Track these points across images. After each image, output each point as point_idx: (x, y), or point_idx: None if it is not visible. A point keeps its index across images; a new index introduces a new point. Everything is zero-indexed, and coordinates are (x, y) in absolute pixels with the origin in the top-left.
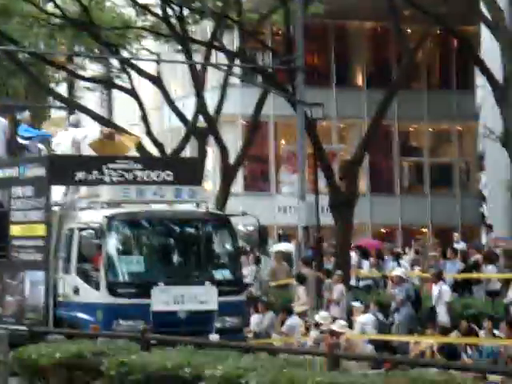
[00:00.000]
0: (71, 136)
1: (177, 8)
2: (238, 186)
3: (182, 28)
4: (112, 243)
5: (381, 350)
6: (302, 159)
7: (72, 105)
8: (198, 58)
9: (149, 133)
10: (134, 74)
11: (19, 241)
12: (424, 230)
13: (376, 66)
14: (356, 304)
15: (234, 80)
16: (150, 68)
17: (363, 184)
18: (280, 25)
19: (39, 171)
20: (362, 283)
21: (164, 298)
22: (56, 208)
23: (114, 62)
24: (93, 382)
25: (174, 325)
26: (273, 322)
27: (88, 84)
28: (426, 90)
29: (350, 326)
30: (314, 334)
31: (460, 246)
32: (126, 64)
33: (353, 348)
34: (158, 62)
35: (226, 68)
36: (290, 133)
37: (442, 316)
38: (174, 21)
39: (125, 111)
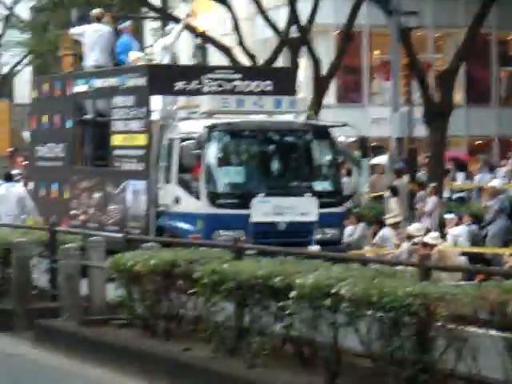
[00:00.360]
0: (162, 43)
1: None
2: (330, 97)
3: None
4: (212, 153)
5: (474, 262)
6: (395, 69)
7: (166, 15)
8: None
9: (241, 43)
10: None
11: (120, 150)
12: None
13: None
14: (449, 216)
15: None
16: None
17: (459, 95)
18: None
19: (139, 81)
20: (455, 195)
21: (264, 209)
22: (156, 118)
23: None
24: (187, 289)
25: (274, 236)
26: (365, 233)
27: None
28: None
29: (444, 237)
30: (406, 245)
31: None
32: None
33: (445, 260)
34: None
35: None
36: (383, 43)
37: None
38: None
39: (217, 22)
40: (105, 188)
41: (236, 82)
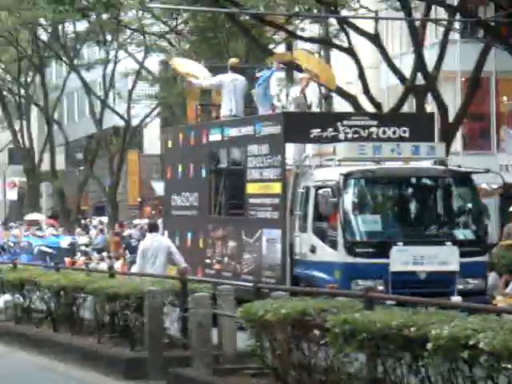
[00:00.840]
0: (293, 93)
1: None
2: (456, 144)
3: None
4: (349, 201)
5: None
6: None
7: (291, 65)
8: (416, 14)
9: (366, 91)
10: (351, 32)
11: (255, 199)
12: None
13: None
14: None
15: (453, 36)
16: (368, 26)
17: None
18: None
19: (274, 129)
20: None
21: (403, 258)
22: (291, 166)
23: (333, 22)
24: (318, 339)
25: (414, 286)
26: (496, 283)
27: (306, 44)
28: None
29: None
30: None
31: None
32: (344, 23)
33: None
34: (376, 19)
35: (446, 23)
36: (511, 89)
37: None
38: None
39: (342, 70)
40: (240, 237)
41: (372, 129)
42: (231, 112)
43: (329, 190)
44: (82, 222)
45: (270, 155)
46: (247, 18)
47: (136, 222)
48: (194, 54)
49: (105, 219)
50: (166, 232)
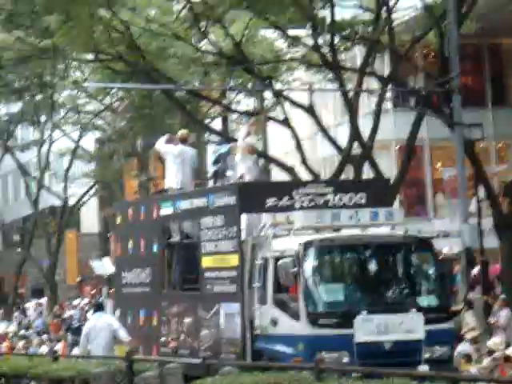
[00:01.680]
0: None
1: (328, 37)
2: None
3: (334, 56)
4: (310, 271)
5: None
6: (463, 181)
7: (227, 138)
8: (349, 85)
9: (303, 162)
10: (286, 104)
11: (211, 272)
12: None
13: None
14: None
15: (386, 105)
16: (302, 98)
17: None
18: (432, 46)
19: (229, 200)
20: None
21: (368, 328)
22: (247, 237)
23: (268, 94)
24: None
25: (379, 356)
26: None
27: (242, 118)
28: None
29: None
30: (486, 361)
31: None
32: (278, 95)
33: None
34: (310, 91)
35: (379, 93)
36: (445, 156)
37: None
38: (324, 50)
39: (279, 141)
40: (196, 312)
41: (328, 196)
42: (177, 185)
43: (288, 260)
44: (21, 306)
45: (225, 227)
46: (182, 93)
47: (76, 302)
48: (130, 131)
49: (43, 300)
50: (118, 311)
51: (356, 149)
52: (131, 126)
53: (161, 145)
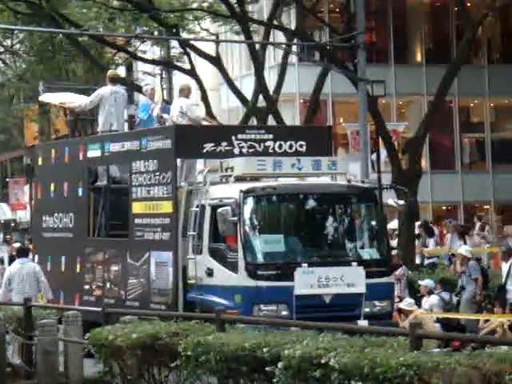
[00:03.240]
0: (179, 104)
1: None
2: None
3: (241, 8)
4: (250, 220)
5: (448, 329)
6: (365, 137)
7: (132, 87)
8: (256, 38)
9: (209, 113)
10: (193, 54)
11: (142, 219)
12: (486, 207)
13: (435, 41)
14: (422, 282)
15: (292, 59)
16: (209, 49)
17: (424, 162)
18: (338, 1)
19: (164, 143)
20: (427, 261)
21: (308, 281)
22: (182, 183)
23: (175, 44)
24: (169, 362)
25: (319, 309)
26: None
27: (147, 66)
28: (487, 65)
29: (418, 304)
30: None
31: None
32: (185, 45)
33: (422, 327)
34: (217, 42)
35: (284, 47)
36: (348, 111)
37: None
38: (232, 1)
39: None
40: (124, 260)
41: (268, 143)
42: (111, 127)
43: (228, 208)
44: None
45: (159, 172)
46: (86, 38)
47: None
48: (30, 74)
49: None
50: (36, 256)
51: (261, 101)
52: (32, 70)
53: (86, 98)
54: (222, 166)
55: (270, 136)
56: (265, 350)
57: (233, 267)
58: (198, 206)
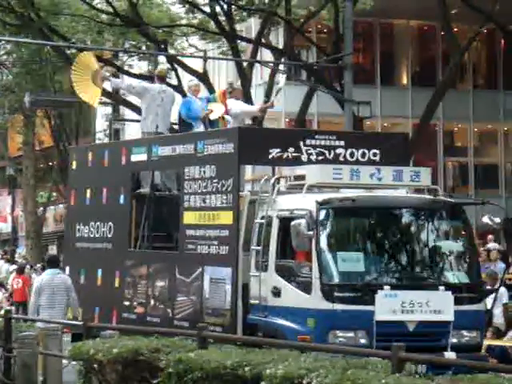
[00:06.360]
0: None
1: (225, 5)
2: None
3: (230, 25)
4: (327, 235)
5: None
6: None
7: (118, 101)
8: (243, 56)
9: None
10: (180, 70)
11: (196, 230)
12: None
13: (421, 65)
14: None
15: (278, 78)
16: (197, 65)
17: None
18: (327, 22)
19: (225, 147)
20: None
21: (390, 305)
22: (245, 192)
23: (162, 59)
24: (150, 378)
25: (401, 338)
26: None
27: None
28: (472, 90)
29: None
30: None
31: (491, 246)
32: (173, 61)
33: None
34: (205, 59)
35: (272, 66)
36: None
37: (498, 318)
38: (221, 18)
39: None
40: (171, 275)
41: (339, 150)
42: (157, 128)
43: (303, 220)
44: None
45: (217, 179)
46: (74, 51)
47: None
48: (16, 85)
49: None
50: (67, 268)
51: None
52: (18, 81)
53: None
54: (288, 174)
55: (342, 143)
56: (246, 368)
57: (305, 287)
58: (263, 218)
